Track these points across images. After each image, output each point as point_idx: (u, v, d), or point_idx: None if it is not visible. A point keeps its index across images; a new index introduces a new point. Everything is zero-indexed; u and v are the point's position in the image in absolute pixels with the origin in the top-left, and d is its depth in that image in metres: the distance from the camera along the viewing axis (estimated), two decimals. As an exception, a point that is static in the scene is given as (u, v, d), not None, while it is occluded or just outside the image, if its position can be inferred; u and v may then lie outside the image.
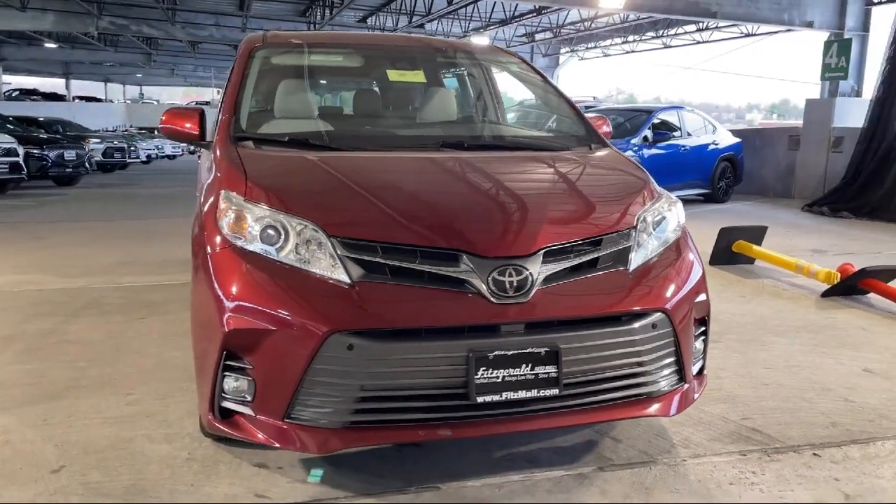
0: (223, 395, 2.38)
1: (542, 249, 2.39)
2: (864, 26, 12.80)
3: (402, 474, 2.61)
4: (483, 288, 2.30)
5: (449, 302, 2.30)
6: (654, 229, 2.70)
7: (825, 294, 5.56)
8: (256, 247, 2.40)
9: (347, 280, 2.29)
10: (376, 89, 3.70)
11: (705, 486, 2.59)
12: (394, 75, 3.63)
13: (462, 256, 2.33)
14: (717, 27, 18.65)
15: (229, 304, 2.32)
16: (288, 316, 2.26)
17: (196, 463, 2.71)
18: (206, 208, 2.70)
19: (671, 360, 2.56)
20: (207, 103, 51.63)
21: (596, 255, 2.50)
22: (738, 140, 12.98)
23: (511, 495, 2.50)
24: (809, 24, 12.60)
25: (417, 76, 3.76)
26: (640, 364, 2.48)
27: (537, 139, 3.39)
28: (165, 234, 8.32)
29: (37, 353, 3.95)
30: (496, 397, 2.30)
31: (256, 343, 2.29)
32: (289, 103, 3.44)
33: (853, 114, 12.25)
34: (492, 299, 2.30)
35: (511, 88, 3.78)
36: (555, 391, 2.35)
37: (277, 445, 2.32)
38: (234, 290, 2.33)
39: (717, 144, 12.39)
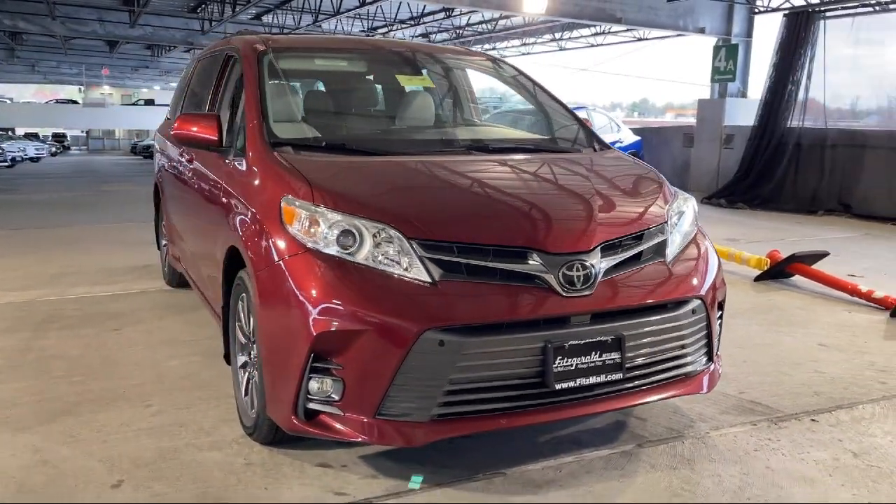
0: (309, 396, 2.43)
1: (600, 245, 2.59)
2: (748, 33, 13.92)
3: (466, 464, 2.74)
4: (554, 282, 2.47)
5: (525, 297, 2.45)
6: (677, 223, 2.96)
7: (757, 279, 6.10)
8: (333, 250, 2.46)
9: (430, 280, 2.40)
10: (393, 93, 3.77)
11: (735, 453, 2.87)
12: (403, 80, 3.72)
13: (532, 253, 2.49)
14: (611, 31, 19.62)
15: (315, 308, 2.37)
16: (380, 316, 2.34)
17: (257, 467, 2.72)
18: (259, 215, 2.71)
19: (704, 341, 2.83)
20: (76, 102, 48.55)
21: (641, 248, 2.73)
22: (638, 138, 13.77)
23: (572, 475, 2.69)
24: (701, 31, 13.57)
25: (425, 81, 3.86)
26: (682, 346, 2.74)
27: (551, 141, 3.58)
28: (93, 241, 7.92)
29: (21, 371, 3.76)
30: (571, 383, 2.48)
31: (346, 344, 2.36)
32: (313, 108, 3.46)
33: (741, 113, 13.29)
34: (562, 293, 2.47)
35: (505, 92, 3.94)
36: (619, 375, 2.56)
37: (368, 441, 2.40)
38: (319, 293, 2.38)
39: (620, 142, 13.12)
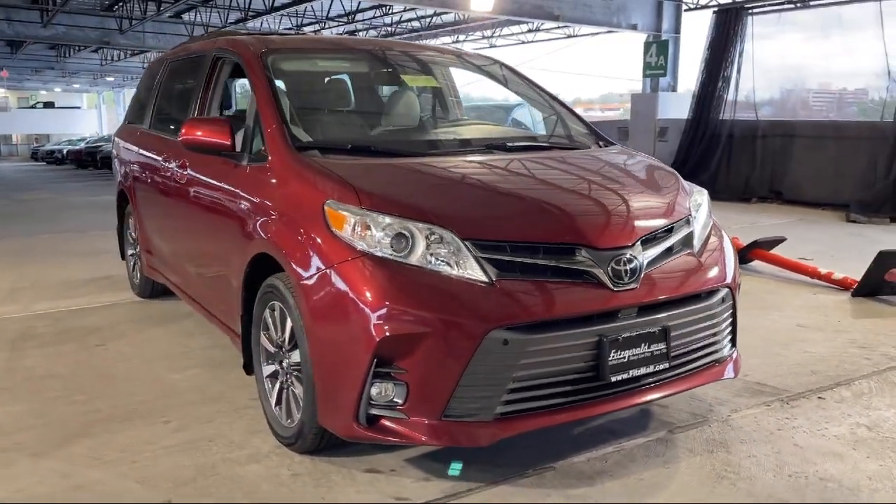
0: (371, 402, 2.41)
1: (640, 239, 2.67)
2: (677, 29, 14.45)
3: (513, 461, 2.77)
4: (604, 277, 2.53)
5: (578, 292, 2.50)
6: (696, 215, 3.08)
7: (720, 266, 6.36)
8: (386, 254, 2.44)
9: (487, 280, 2.42)
10: (400, 94, 3.74)
11: (762, 434, 3.01)
12: (410, 80, 3.70)
13: (581, 250, 2.54)
14: (542, 28, 19.96)
15: (377, 312, 2.35)
16: (446, 317, 2.34)
17: (306, 477, 2.67)
18: (298, 222, 2.67)
19: (730, 328, 2.96)
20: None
21: (673, 240, 2.82)
22: (576, 132, 14.05)
23: (619, 465, 2.76)
24: (634, 27, 13.99)
25: (431, 81, 3.85)
26: (714, 334, 2.85)
27: (562, 139, 3.64)
28: (38, 253, 7.52)
29: (14, 393, 3.56)
30: (625, 375, 2.54)
31: (410, 348, 2.35)
32: (326, 110, 3.40)
33: (672, 107, 13.80)
34: (612, 287, 2.53)
35: (502, 92, 3.98)
36: (665, 365, 2.64)
37: (434, 443, 2.40)
38: (380, 297, 2.36)
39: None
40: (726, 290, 2.88)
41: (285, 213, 2.79)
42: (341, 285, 2.44)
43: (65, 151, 30.50)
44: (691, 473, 2.70)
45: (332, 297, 2.47)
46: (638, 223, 2.71)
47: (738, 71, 11.95)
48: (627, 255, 2.58)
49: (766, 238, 6.39)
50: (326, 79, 3.69)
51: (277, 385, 2.95)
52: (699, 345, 2.79)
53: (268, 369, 3.01)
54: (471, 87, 4.18)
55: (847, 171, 10.02)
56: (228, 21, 19.28)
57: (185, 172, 3.87)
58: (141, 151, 4.84)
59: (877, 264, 5.13)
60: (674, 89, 14.28)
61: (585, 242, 2.55)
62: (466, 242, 2.46)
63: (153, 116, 4.93)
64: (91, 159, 26.14)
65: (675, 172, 3.29)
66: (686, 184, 3.22)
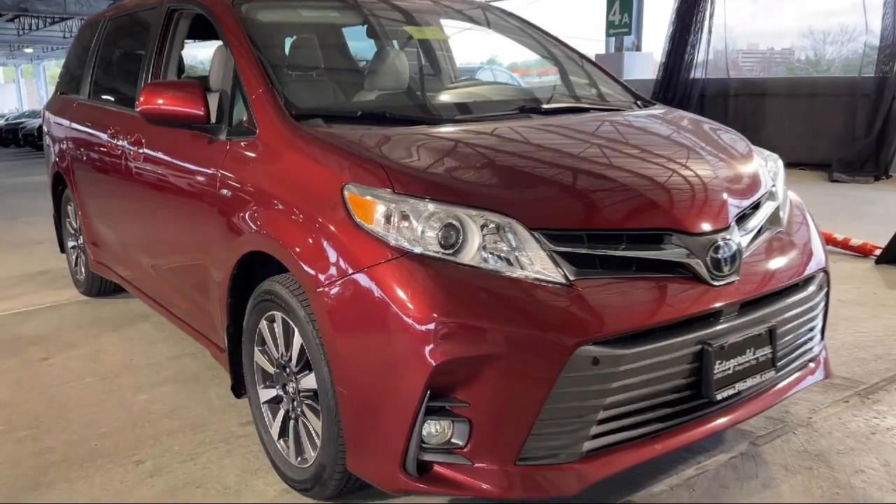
0: (423, 445, 1.85)
1: (735, 218, 2.15)
2: (639, -15, 13.93)
3: (585, 496, 2.26)
4: (701, 269, 2.01)
5: (674, 290, 1.98)
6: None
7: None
8: (433, 251, 1.87)
9: (563, 280, 1.87)
10: (405, 49, 3.12)
11: (856, 440, 2.57)
12: (414, 32, 3.08)
13: (672, 236, 2.02)
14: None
15: (430, 330, 1.78)
16: (519, 333, 1.79)
17: (331, 536, 2.11)
18: (309, 211, 2.07)
19: (822, 320, 2.49)
20: None
21: (761, 218, 2.32)
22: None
23: (709, 493, 2.28)
24: (595, -16, 13.43)
25: (437, 32, 3.23)
26: (811, 329, 2.37)
27: (598, 98, 3.08)
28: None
29: (-60, 430, 2.88)
30: (731, 391, 2.05)
31: (475, 374, 1.80)
32: (317, 69, 2.77)
33: (637, 67, 13.34)
34: (711, 281, 2.02)
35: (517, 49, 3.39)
36: (772, 373, 2.15)
37: (509, 496, 1.85)
38: (433, 310, 1.79)
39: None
40: (823, 274, 2.40)
41: (286, 200, 2.18)
42: (377, 294, 1.86)
43: (-19, 130, 28.50)
44: (801, 498, 2.23)
45: (365, 311, 1.89)
46: (732, 199, 2.19)
47: (710, 30, 11.53)
48: (726, 240, 2.06)
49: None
50: (312, 33, 3.02)
51: (280, 414, 2.37)
52: (799, 342, 2.32)
53: (266, 393, 2.43)
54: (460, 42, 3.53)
55: (824, 130, 9.73)
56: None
57: (141, 151, 3.18)
58: (80, 126, 4.10)
59: (902, 230, 4.78)
60: (638, 49, 13.81)
61: (678, 227, 2.02)
62: (535, 233, 1.90)
63: (92, 85, 4.19)
64: (12, 137, 24.52)
65: (742, 136, 2.78)
66: (756, 148, 2.72)
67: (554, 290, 1.85)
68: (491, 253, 1.89)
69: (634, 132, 2.61)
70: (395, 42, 3.18)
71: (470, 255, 1.88)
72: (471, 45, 4.04)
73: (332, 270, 1.96)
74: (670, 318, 1.94)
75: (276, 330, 2.29)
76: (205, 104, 2.53)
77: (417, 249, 1.87)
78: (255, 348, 2.44)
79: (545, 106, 2.74)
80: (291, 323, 2.18)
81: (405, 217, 1.90)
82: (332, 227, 1.99)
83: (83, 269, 4.58)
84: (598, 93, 3.15)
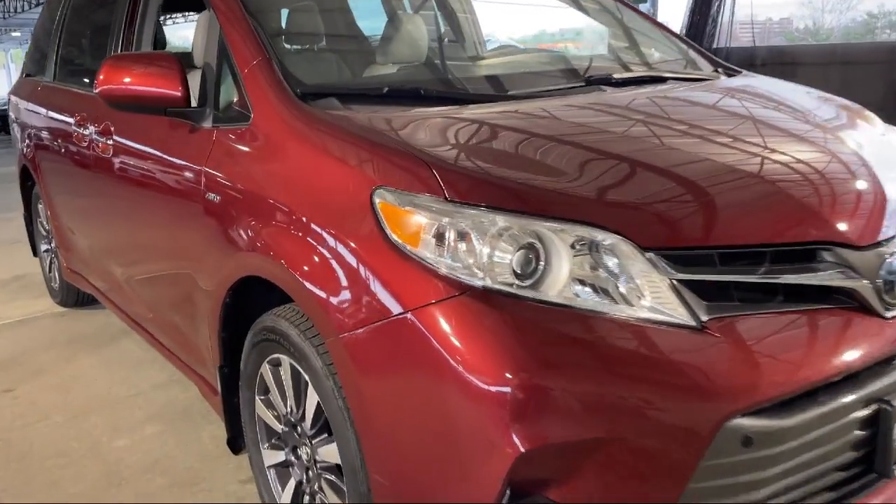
0: (500, 567, 1.29)
1: (901, 224, 1.58)
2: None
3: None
4: (871, 296, 1.44)
5: (837, 328, 1.41)
6: None
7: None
8: (503, 282, 1.30)
9: (693, 321, 1.30)
10: (420, 13, 2.52)
11: None
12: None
13: (829, 252, 1.44)
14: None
15: (507, 402, 1.22)
16: (637, 405, 1.23)
17: None
18: (327, 228, 1.50)
19: None
20: None
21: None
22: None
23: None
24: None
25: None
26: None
27: (674, 65, 2.49)
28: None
29: None
30: (910, 462, 1.48)
31: (575, 465, 1.24)
32: (335, 35, 2.18)
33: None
34: (883, 312, 1.45)
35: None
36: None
37: None
38: (516, 374, 1.22)
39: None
40: None
41: (291, 208, 1.61)
42: (427, 348, 1.29)
43: (-31, 117, 27.81)
44: None
45: (409, 371, 1.32)
46: (893, 199, 1.61)
47: (735, -1, 10.89)
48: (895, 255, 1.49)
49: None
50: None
51: (291, 483, 1.82)
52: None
53: (272, 456, 1.88)
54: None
55: (860, 100, 9.14)
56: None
57: (110, 142, 2.60)
58: (45, 113, 3.52)
59: None
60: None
61: (839, 238, 1.45)
62: (650, 254, 1.33)
63: (57, 64, 3.59)
64: (2, 124, 23.83)
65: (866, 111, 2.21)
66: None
67: (681, 336, 1.29)
68: (585, 283, 1.32)
69: (746, 110, 2.01)
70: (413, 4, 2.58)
71: (557, 287, 1.31)
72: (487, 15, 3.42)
73: (359, 310, 1.40)
74: (844, 369, 1.38)
75: (283, 377, 1.74)
76: (183, 82, 1.94)
77: (482, 283, 1.29)
78: (257, 397, 1.89)
79: (617, 76, 2.13)
80: (303, 373, 1.62)
81: (463, 236, 1.33)
82: (357, 248, 1.42)
83: (57, 277, 4.02)
84: (675, 58, 2.57)
